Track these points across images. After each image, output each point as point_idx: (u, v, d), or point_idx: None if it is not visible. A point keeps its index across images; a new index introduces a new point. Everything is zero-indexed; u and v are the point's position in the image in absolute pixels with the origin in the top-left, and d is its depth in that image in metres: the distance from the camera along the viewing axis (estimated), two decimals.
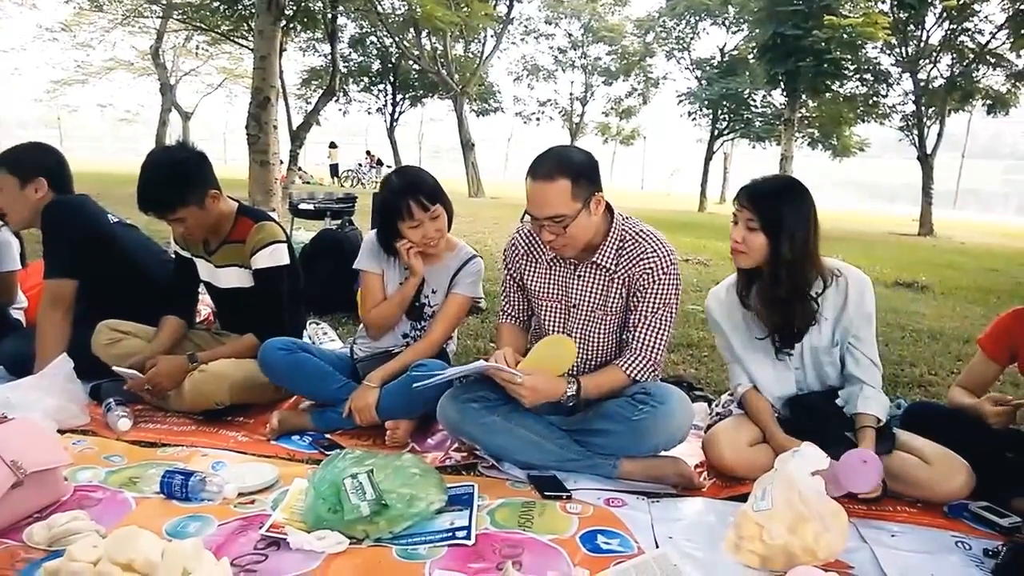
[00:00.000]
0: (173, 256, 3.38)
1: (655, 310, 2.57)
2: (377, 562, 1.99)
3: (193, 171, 3.01)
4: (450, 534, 2.12)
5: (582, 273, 2.66)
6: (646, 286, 2.56)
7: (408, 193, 2.85)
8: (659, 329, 2.57)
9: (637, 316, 2.58)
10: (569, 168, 2.42)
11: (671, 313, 2.60)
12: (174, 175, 2.97)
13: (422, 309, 3.11)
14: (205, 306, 3.69)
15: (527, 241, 2.78)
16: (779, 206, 2.49)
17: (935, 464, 2.47)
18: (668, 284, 2.57)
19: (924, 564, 2.12)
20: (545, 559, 2.04)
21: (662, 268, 2.56)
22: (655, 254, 2.56)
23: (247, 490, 2.35)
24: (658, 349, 2.58)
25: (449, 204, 2.99)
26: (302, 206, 6.76)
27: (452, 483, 2.41)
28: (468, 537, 2.10)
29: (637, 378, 2.57)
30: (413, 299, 3.07)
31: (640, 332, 2.58)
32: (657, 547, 2.13)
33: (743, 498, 2.22)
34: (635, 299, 2.59)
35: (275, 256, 3.12)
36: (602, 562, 2.03)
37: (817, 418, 2.59)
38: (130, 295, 3.32)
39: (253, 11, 12.41)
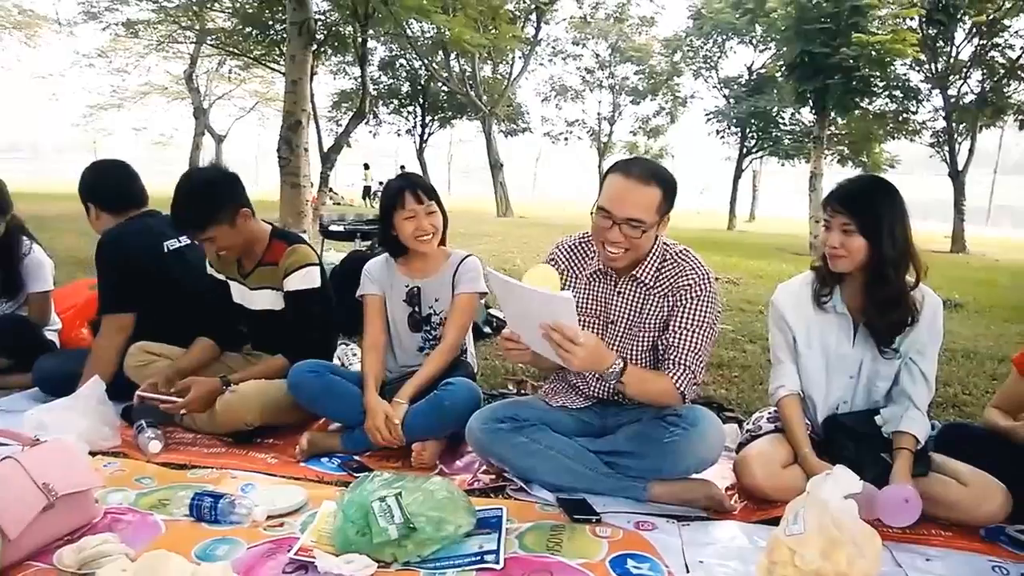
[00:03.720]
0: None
1: (693, 327, 2.52)
2: None
3: (223, 189, 3.07)
4: (478, 558, 2.11)
5: (622, 289, 2.64)
6: (684, 303, 2.54)
7: (405, 187, 3.00)
8: (698, 345, 2.52)
9: (676, 333, 2.53)
10: (663, 180, 2.44)
11: (710, 332, 2.56)
12: (204, 193, 3.04)
13: (429, 319, 3.17)
14: None
15: (568, 255, 2.75)
16: (874, 205, 2.51)
17: (971, 486, 2.43)
18: (706, 302, 2.54)
19: None
20: None
21: (699, 286, 2.54)
22: (694, 272, 2.56)
23: (276, 513, 2.36)
24: (698, 364, 2.53)
25: (444, 212, 3.11)
26: (332, 227, 6.81)
27: (481, 506, 2.40)
28: (497, 561, 2.09)
29: (680, 387, 2.49)
30: (417, 310, 3.17)
31: (679, 346, 2.52)
32: (688, 572, 2.12)
33: (775, 522, 2.18)
34: (673, 317, 2.55)
35: (307, 279, 3.15)
36: None
37: (853, 440, 2.56)
38: (172, 319, 3.36)
39: (285, 36, 12.60)
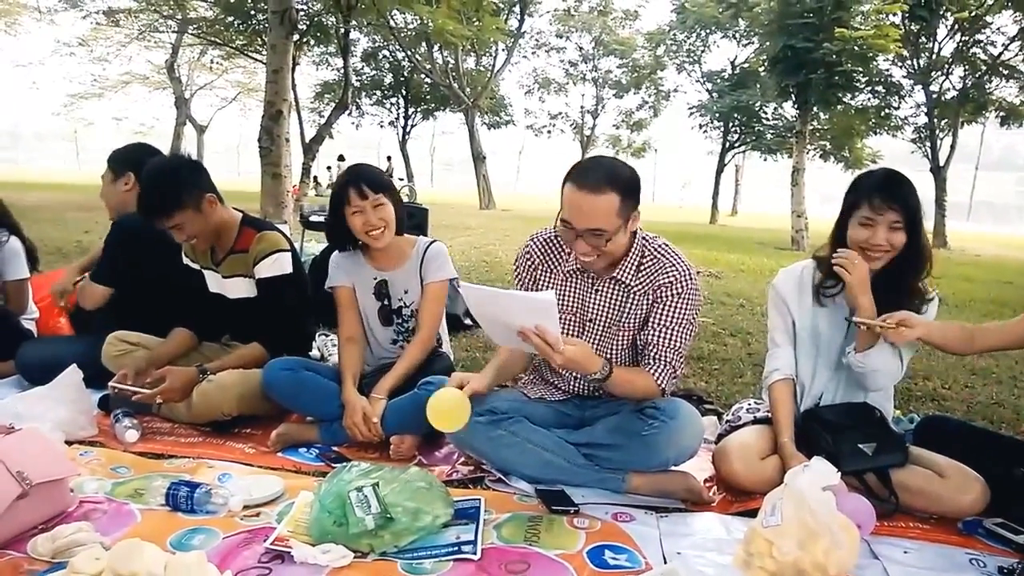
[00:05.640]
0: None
1: (673, 323, 2.50)
2: None
3: (187, 176, 3.04)
4: (456, 549, 2.10)
5: (600, 288, 2.60)
6: (664, 300, 2.51)
7: (350, 182, 2.93)
8: (676, 340, 2.50)
9: (656, 329, 2.51)
10: (618, 182, 2.34)
11: (690, 328, 2.54)
12: (169, 180, 3.00)
13: (400, 311, 3.14)
14: None
15: (543, 250, 2.70)
16: (915, 201, 2.49)
17: (949, 478, 2.43)
18: (687, 299, 2.51)
19: None
20: (551, 575, 2.02)
21: (680, 283, 2.50)
22: (674, 269, 2.51)
23: (252, 503, 2.35)
24: (677, 360, 2.52)
25: (399, 200, 3.05)
26: (313, 218, 6.77)
27: (459, 497, 2.39)
28: (474, 552, 2.08)
29: (661, 384, 2.49)
30: (387, 303, 3.14)
31: (659, 343, 2.50)
32: (665, 563, 2.11)
33: (753, 513, 2.19)
34: (653, 313, 2.53)
35: (278, 265, 3.12)
36: None
37: (831, 432, 2.55)
38: (155, 309, 3.35)
39: (267, 26, 12.50)
